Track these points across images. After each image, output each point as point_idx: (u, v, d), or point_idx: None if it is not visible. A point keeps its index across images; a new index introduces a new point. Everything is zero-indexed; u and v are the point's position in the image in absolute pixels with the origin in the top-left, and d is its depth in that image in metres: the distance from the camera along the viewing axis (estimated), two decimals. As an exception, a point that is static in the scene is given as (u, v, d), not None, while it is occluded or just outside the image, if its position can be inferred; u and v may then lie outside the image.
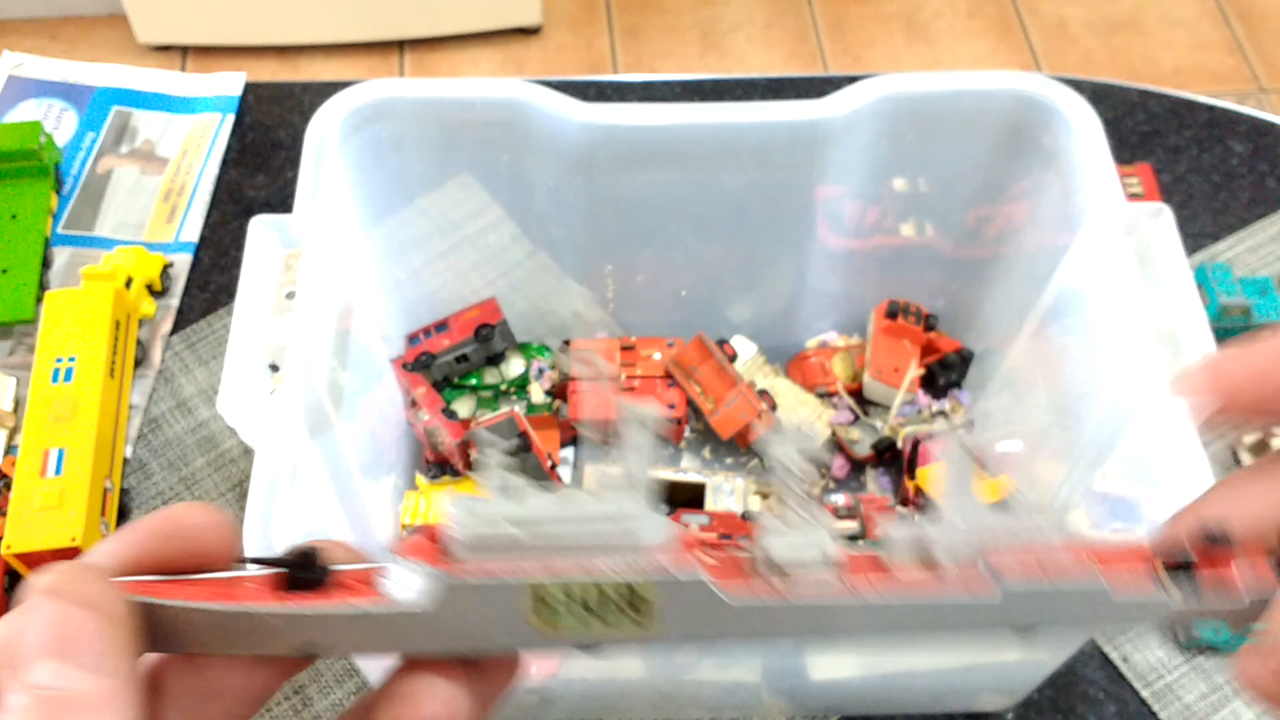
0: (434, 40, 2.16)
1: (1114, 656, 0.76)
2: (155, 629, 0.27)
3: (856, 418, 0.84)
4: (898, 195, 0.78)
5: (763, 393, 0.84)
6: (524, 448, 0.74)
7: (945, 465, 0.30)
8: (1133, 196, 0.93)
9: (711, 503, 0.74)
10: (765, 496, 0.77)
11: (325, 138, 0.68)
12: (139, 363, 0.89)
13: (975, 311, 0.84)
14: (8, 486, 0.80)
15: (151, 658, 0.29)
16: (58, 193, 0.97)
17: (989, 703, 0.74)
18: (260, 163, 1.00)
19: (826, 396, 0.85)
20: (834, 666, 0.71)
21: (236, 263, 0.63)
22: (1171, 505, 0.56)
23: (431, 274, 0.85)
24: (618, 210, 0.78)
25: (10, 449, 0.84)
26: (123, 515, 0.82)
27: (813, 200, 0.78)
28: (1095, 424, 0.64)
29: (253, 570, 0.29)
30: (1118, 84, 1.03)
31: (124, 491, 0.83)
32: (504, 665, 0.31)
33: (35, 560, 0.75)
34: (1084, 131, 0.67)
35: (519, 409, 0.79)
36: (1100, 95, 1.01)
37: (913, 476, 0.79)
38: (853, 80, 0.71)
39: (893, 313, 0.84)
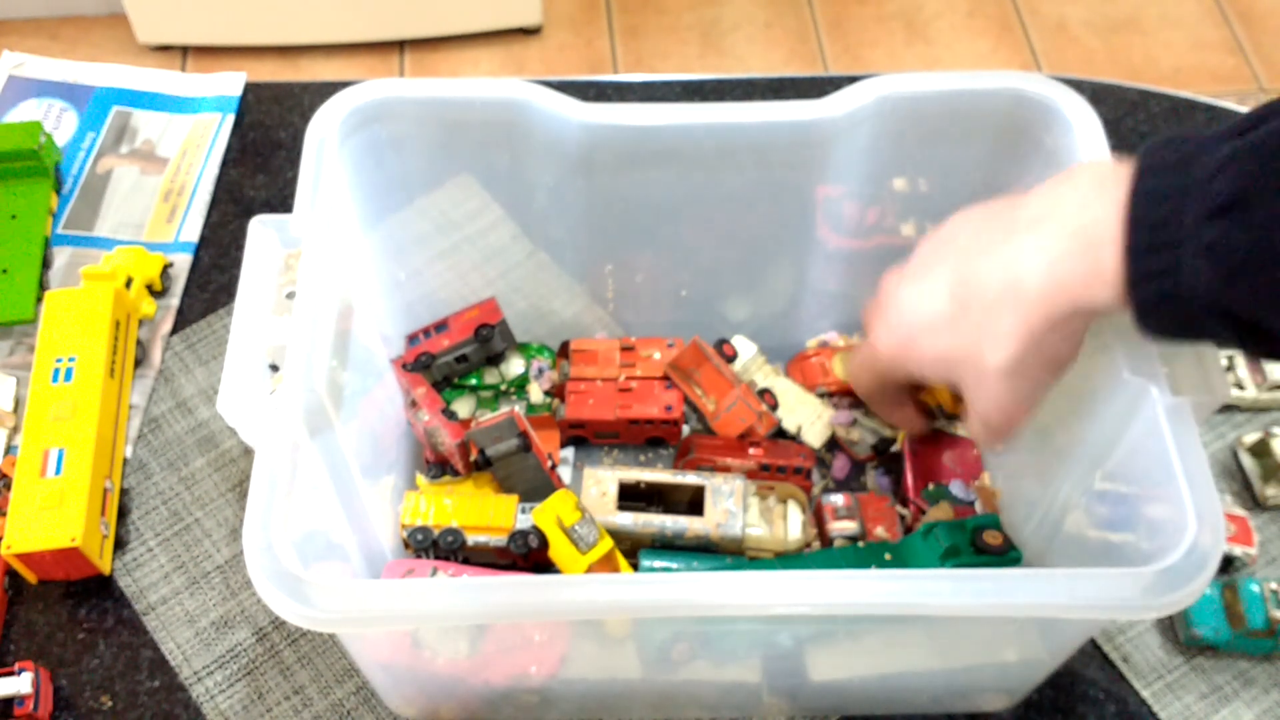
0: (434, 40, 2.16)
1: (1114, 656, 0.76)
2: None
3: (856, 418, 0.84)
4: (898, 195, 0.78)
5: (763, 392, 0.84)
6: (524, 448, 0.74)
7: None
8: (1133, 196, 0.93)
9: (711, 505, 0.74)
10: (764, 497, 0.77)
11: (325, 138, 0.68)
12: (139, 363, 0.89)
13: (975, 311, 0.84)
14: (8, 486, 0.80)
15: None
16: (58, 193, 0.97)
17: (989, 703, 0.74)
18: (260, 163, 1.00)
19: (826, 396, 0.85)
20: (834, 666, 0.71)
21: (236, 263, 0.63)
22: (1170, 506, 0.56)
23: (431, 274, 0.85)
24: (618, 210, 0.78)
25: (10, 449, 0.84)
26: (123, 515, 0.82)
27: (813, 200, 0.78)
28: (1095, 424, 0.64)
29: None
30: (1118, 84, 1.03)
31: (124, 491, 0.83)
32: None
33: (35, 560, 0.75)
34: (1084, 131, 0.67)
35: (519, 409, 0.79)
36: (1100, 95, 1.01)
37: (911, 478, 0.79)
38: (853, 80, 0.71)
39: (893, 313, 0.84)
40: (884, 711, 0.75)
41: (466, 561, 0.73)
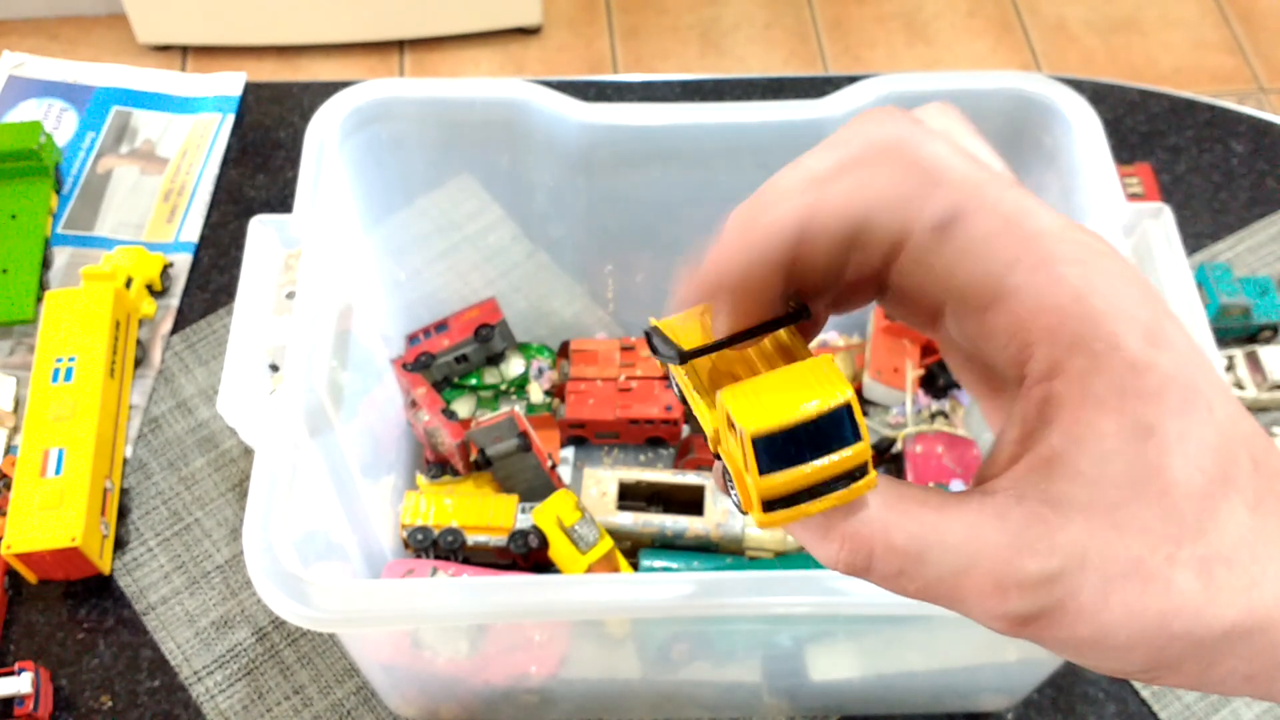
0: (434, 40, 2.15)
1: (1114, 656, 0.76)
2: None
3: (856, 418, 0.84)
4: (898, 195, 0.78)
5: (763, 393, 0.84)
6: (524, 448, 0.74)
7: None
8: (1133, 196, 0.93)
9: (711, 504, 0.74)
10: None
11: (325, 138, 0.68)
12: (139, 363, 0.89)
13: (975, 311, 0.84)
14: (8, 486, 0.80)
15: None
16: (58, 193, 0.97)
17: (989, 703, 0.74)
18: (260, 163, 1.00)
19: (826, 396, 0.85)
20: (834, 666, 0.71)
21: (236, 263, 0.63)
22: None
23: (431, 274, 0.85)
24: (618, 210, 0.78)
25: (10, 449, 0.84)
26: (123, 515, 0.82)
27: (813, 200, 0.78)
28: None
29: None
30: (1118, 84, 1.03)
31: (124, 491, 0.83)
32: None
33: (35, 560, 0.75)
34: (1084, 131, 0.67)
35: (519, 409, 0.79)
36: (1100, 95, 1.01)
37: (911, 478, 0.79)
38: (853, 80, 0.71)
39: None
40: (884, 711, 0.75)
41: (466, 561, 0.73)
